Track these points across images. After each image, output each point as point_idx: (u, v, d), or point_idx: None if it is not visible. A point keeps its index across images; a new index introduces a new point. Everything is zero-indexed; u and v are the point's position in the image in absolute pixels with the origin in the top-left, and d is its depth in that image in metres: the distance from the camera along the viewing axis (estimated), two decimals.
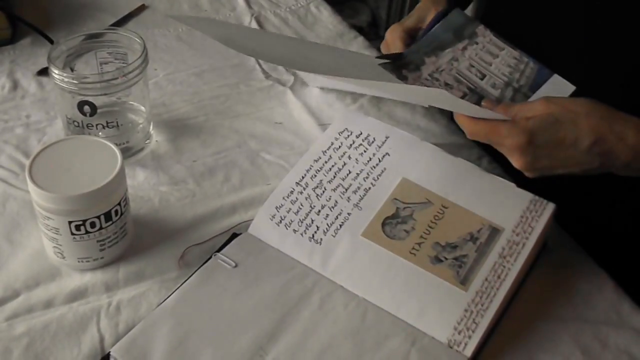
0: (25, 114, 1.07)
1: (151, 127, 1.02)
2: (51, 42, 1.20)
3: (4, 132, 1.03)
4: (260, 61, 1.19)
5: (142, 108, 1.00)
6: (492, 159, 1.03)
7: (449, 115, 1.08)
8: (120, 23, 1.28)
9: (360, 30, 3.02)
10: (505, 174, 0.99)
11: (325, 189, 0.88)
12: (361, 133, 0.94)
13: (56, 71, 0.92)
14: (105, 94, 0.94)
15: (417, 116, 1.09)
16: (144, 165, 0.98)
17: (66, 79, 0.92)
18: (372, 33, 3.10)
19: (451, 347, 0.76)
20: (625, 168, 0.83)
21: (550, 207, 0.87)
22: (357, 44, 1.25)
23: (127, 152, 0.98)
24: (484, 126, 0.84)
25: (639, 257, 1.00)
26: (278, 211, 0.87)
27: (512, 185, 0.90)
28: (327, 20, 1.31)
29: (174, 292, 0.80)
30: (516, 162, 0.83)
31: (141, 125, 1.00)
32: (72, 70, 0.99)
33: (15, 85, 1.12)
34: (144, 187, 0.95)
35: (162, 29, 1.27)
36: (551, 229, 0.88)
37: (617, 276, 0.88)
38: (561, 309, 0.84)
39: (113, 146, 0.82)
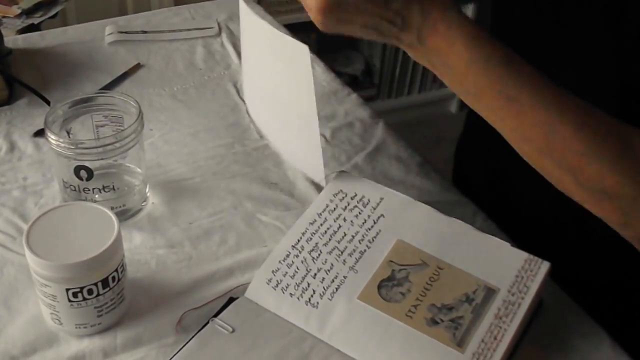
0: (22, 176, 1.07)
1: (147, 188, 1.03)
2: (48, 103, 1.21)
3: (1, 195, 1.04)
4: (255, 120, 1.21)
5: (139, 170, 1.01)
6: (487, 216, 1.03)
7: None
8: (116, 83, 1.29)
9: (354, 78, 3.06)
10: (500, 231, 1.00)
11: (321, 252, 0.89)
12: (356, 195, 0.95)
13: (53, 137, 0.92)
14: (102, 159, 0.95)
15: (412, 175, 1.10)
16: (140, 228, 0.99)
17: (62, 144, 0.93)
18: (367, 81, 3.13)
19: None
20: (418, 44, 0.78)
21: (545, 266, 0.87)
22: (351, 101, 1.27)
23: (124, 215, 0.98)
24: None
25: (635, 313, 1.01)
26: (274, 275, 0.87)
27: (507, 244, 0.90)
28: (321, 77, 1.33)
29: (172, 358, 0.80)
30: None
31: (137, 187, 1.01)
32: (68, 133, 0.99)
33: (12, 147, 1.13)
34: (141, 250, 0.95)
35: (157, 88, 1.28)
36: (547, 287, 0.88)
37: (614, 333, 0.89)
38: None
39: (110, 213, 0.83)
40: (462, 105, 3.15)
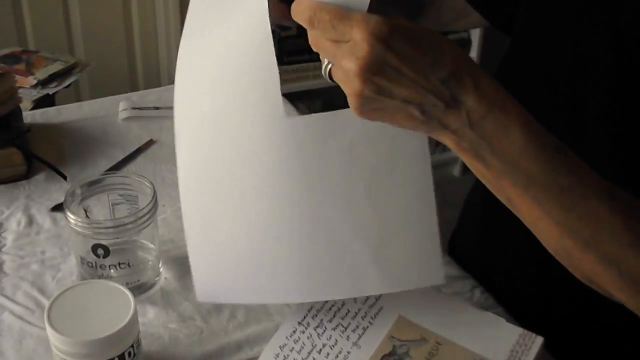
0: (40, 250, 1.12)
1: (160, 264, 1.07)
2: (64, 177, 1.27)
3: (20, 268, 1.08)
4: None
5: (152, 246, 1.06)
6: (485, 289, 1.08)
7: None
8: (130, 159, 1.34)
9: None
10: (498, 304, 1.04)
11: (325, 328, 0.93)
12: None
13: (72, 217, 0.97)
14: (118, 238, 1.00)
15: None
16: (153, 302, 1.03)
17: (81, 224, 0.98)
18: None
19: None
20: (467, 128, 0.71)
21: (539, 340, 0.91)
22: None
23: (138, 290, 1.03)
24: (332, 7, 0.69)
25: None
26: (282, 350, 0.91)
27: (502, 320, 0.94)
28: None
29: None
30: (360, 53, 0.67)
31: (151, 263, 1.05)
32: (85, 211, 1.04)
33: (30, 221, 1.18)
34: (155, 324, 0.99)
35: (169, 164, 1.33)
36: (542, 358, 0.92)
37: None
38: None
39: (127, 291, 0.87)
40: (465, 168, 3.17)
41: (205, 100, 0.88)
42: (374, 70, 0.67)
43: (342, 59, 0.69)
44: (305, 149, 0.86)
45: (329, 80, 0.73)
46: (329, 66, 0.72)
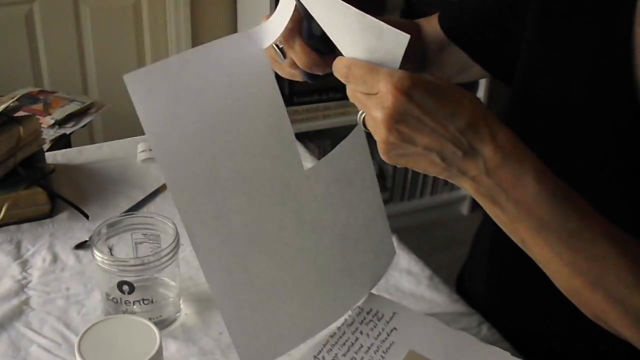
0: (65, 287, 1.17)
1: (181, 300, 1.12)
2: (86, 216, 1.31)
3: (46, 303, 1.13)
4: None
5: (173, 283, 1.10)
6: (492, 325, 1.12)
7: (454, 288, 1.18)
8: (149, 199, 1.39)
9: None
10: (504, 340, 1.08)
11: None
12: (371, 310, 1.04)
13: (99, 255, 1.02)
14: (141, 276, 1.05)
15: (422, 287, 1.19)
16: (175, 337, 1.07)
17: (107, 261, 1.03)
18: (380, 185, 3.21)
19: None
20: (484, 176, 0.77)
21: None
22: None
23: (160, 325, 1.07)
24: (364, 63, 0.78)
25: None
26: None
27: (507, 354, 0.99)
28: None
29: None
30: (386, 103, 0.74)
31: (171, 299, 1.10)
32: (110, 249, 1.09)
33: (55, 259, 1.23)
34: (176, 358, 1.03)
35: None
36: None
37: None
38: None
39: (152, 326, 0.92)
40: (473, 207, 3.24)
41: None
42: (397, 119, 0.74)
43: (371, 109, 0.76)
44: (320, 191, 0.96)
45: (364, 128, 0.81)
46: (363, 115, 0.80)
